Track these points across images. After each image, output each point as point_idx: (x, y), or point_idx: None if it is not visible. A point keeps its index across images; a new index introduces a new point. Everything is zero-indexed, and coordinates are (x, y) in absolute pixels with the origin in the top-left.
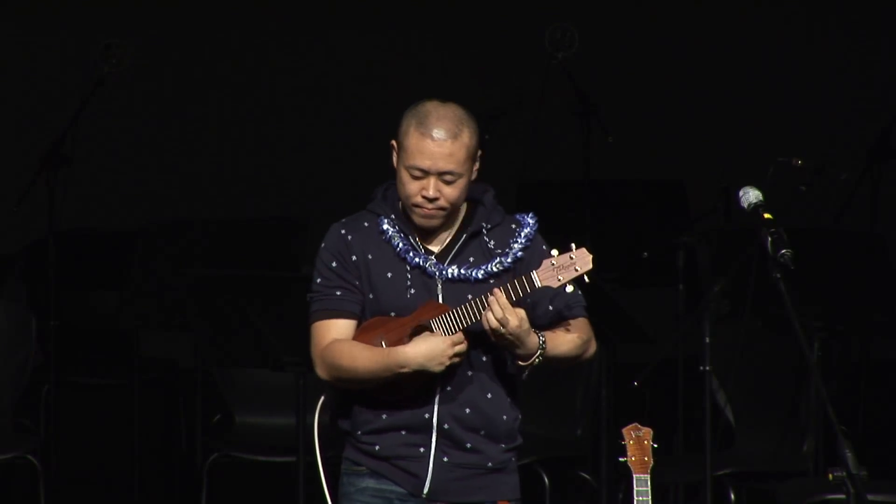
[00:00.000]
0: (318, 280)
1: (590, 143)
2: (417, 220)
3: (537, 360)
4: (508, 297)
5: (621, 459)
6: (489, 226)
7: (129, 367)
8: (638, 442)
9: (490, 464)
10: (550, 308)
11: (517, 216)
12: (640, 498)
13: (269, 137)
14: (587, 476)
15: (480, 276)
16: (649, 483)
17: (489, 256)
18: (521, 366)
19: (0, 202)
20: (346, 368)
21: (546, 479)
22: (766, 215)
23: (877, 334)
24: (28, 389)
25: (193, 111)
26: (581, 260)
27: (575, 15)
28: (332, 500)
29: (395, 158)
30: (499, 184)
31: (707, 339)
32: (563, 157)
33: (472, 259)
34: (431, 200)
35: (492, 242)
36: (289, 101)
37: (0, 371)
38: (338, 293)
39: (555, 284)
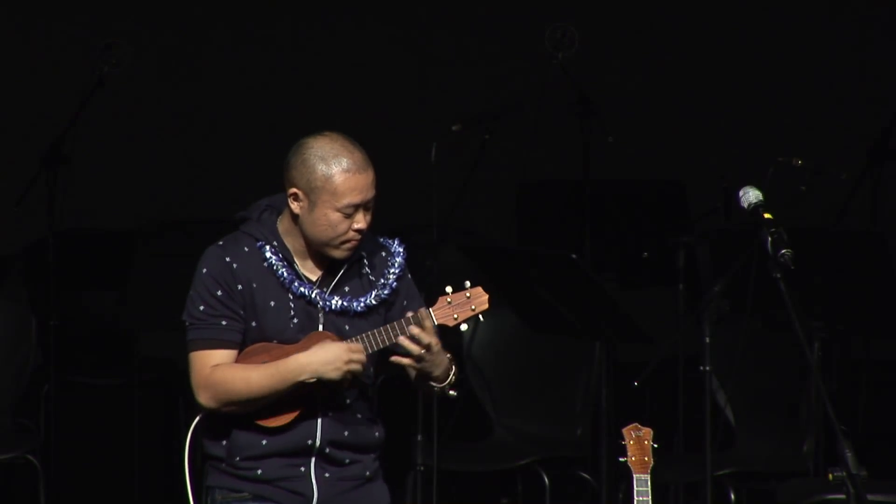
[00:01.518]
0: (202, 308)
1: (590, 143)
2: (341, 254)
3: (453, 378)
4: (402, 333)
5: (621, 459)
6: (366, 253)
7: (129, 367)
8: (638, 442)
9: (368, 473)
10: (409, 315)
11: (382, 241)
12: (640, 498)
13: (269, 137)
14: (587, 476)
15: (360, 309)
16: (649, 483)
17: (367, 287)
18: (438, 388)
19: (0, 202)
20: (239, 390)
21: (546, 479)
22: (766, 215)
23: (877, 334)
24: (28, 389)
25: (193, 111)
26: (477, 299)
27: (575, 15)
28: None
29: (299, 206)
30: (499, 184)
31: (707, 339)
32: (563, 157)
33: (347, 288)
34: (361, 231)
35: (368, 271)
36: (289, 101)
37: (0, 371)
38: (223, 323)
39: (451, 323)
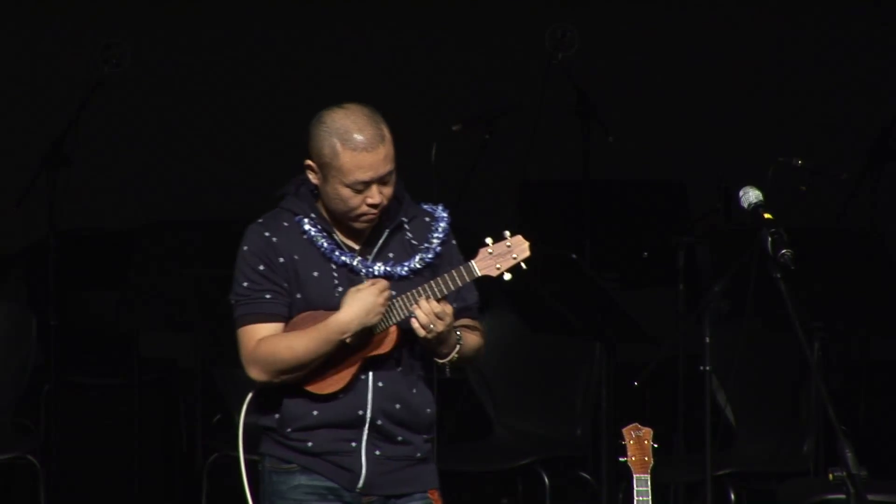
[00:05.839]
0: (245, 284)
1: (590, 143)
2: (359, 226)
3: (455, 355)
4: (447, 287)
5: (621, 459)
6: (408, 219)
7: (129, 367)
8: (638, 442)
9: (419, 454)
10: (454, 306)
11: (427, 207)
12: (640, 498)
13: (269, 137)
14: (587, 476)
15: (404, 273)
16: (649, 483)
17: (410, 251)
18: (440, 363)
19: (0, 202)
20: (285, 357)
21: (546, 479)
22: (766, 215)
23: (877, 334)
24: (28, 389)
25: (193, 111)
26: (518, 247)
27: (575, 15)
28: (252, 499)
29: (316, 178)
30: (499, 184)
31: (707, 339)
32: (563, 157)
33: (392, 255)
34: (376, 206)
35: (412, 236)
36: (288, 101)
37: (0, 371)
38: (267, 296)
39: (494, 273)
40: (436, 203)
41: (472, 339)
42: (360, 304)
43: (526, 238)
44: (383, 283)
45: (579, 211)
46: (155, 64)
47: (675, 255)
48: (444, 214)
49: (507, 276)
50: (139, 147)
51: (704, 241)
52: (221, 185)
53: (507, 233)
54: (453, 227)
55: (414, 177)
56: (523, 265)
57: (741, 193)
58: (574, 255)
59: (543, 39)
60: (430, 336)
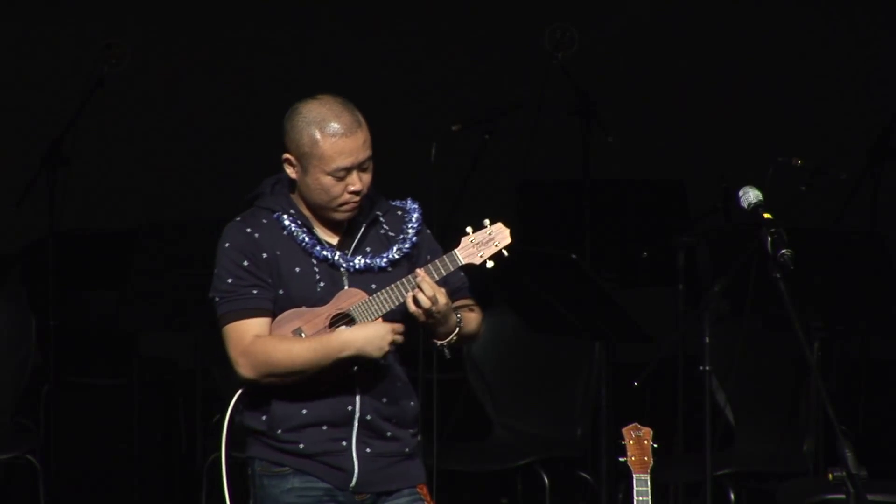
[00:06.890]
0: (230, 280)
1: (590, 143)
2: (340, 216)
3: (454, 337)
4: (431, 277)
5: (621, 459)
6: (382, 213)
7: (129, 367)
8: (638, 442)
9: (407, 449)
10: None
11: (396, 202)
12: (640, 498)
13: (269, 137)
14: (587, 476)
15: (383, 265)
16: (649, 483)
17: (387, 244)
18: (440, 344)
19: (0, 202)
20: (281, 362)
21: (546, 479)
22: (766, 215)
23: (877, 334)
24: (28, 389)
25: (193, 111)
26: (499, 235)
27: (575, 15)
28: (230, 499)
29: (295, 171)
30: (499, 184)
31: (707, 339)
32: (563, 157)
33: (369, 249)
34: (357, 192)
35: (388, 229)
36: (289, 101)
37: (0, 371)
38: (254, 291)
39: (477, 261)
40: (435, 203)
41: (472, 318)
42: (368, 331)
43: (506, 225)
44: (400, 327)
45: (579, 211)
46: (155, 64)
47: (675, 255)
48: (415, 206)
49: (490, 264)
50: (139, 147)
51: (704, 241)
52: (221, 186)
53: (487, 221)
54: (455, 229)
55: (414, 177)
56: (505, 252)
57: (741, 193)
58: (574, 255)
59: (543, 39)
60: (427, 317)
